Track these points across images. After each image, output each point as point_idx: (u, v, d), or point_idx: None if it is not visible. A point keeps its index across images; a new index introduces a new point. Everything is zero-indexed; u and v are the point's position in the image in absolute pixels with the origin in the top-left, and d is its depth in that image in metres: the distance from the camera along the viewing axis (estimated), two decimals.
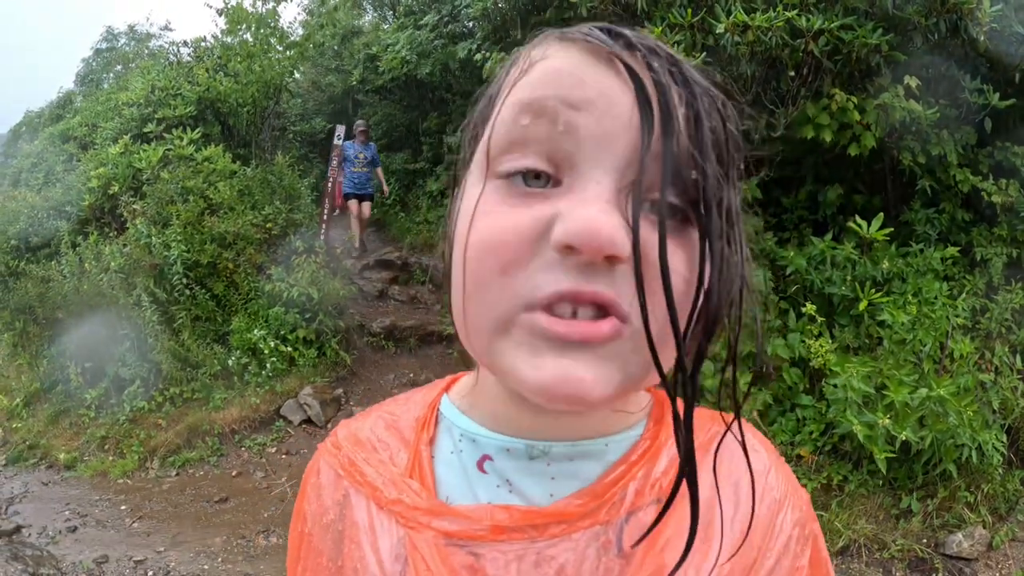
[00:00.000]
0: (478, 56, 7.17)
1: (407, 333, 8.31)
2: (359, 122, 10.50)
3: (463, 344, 0.60)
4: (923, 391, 4.37)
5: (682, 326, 0.51)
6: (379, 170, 10.49)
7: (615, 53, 0.53)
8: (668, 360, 0.53)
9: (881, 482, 4.71)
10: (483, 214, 0.54)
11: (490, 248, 0.53)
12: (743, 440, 0.64)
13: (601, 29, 0.56)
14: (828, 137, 5.07)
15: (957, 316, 4.98)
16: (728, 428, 0.65)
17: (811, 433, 4.81)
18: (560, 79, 0.54)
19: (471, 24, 10.54)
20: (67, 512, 5.79)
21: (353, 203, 10.13)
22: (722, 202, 0.53)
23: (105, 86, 17.24)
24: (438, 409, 0.74)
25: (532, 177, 0.54)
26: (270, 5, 9.56)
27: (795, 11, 4.62)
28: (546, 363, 0.52)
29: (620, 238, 0.49)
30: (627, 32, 0.56)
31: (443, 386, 0.77)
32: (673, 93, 0.52)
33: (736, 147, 0.57)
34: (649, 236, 0.50)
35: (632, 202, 0.50)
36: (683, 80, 0.54)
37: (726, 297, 0.55)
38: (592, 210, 0.50)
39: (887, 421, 4.26)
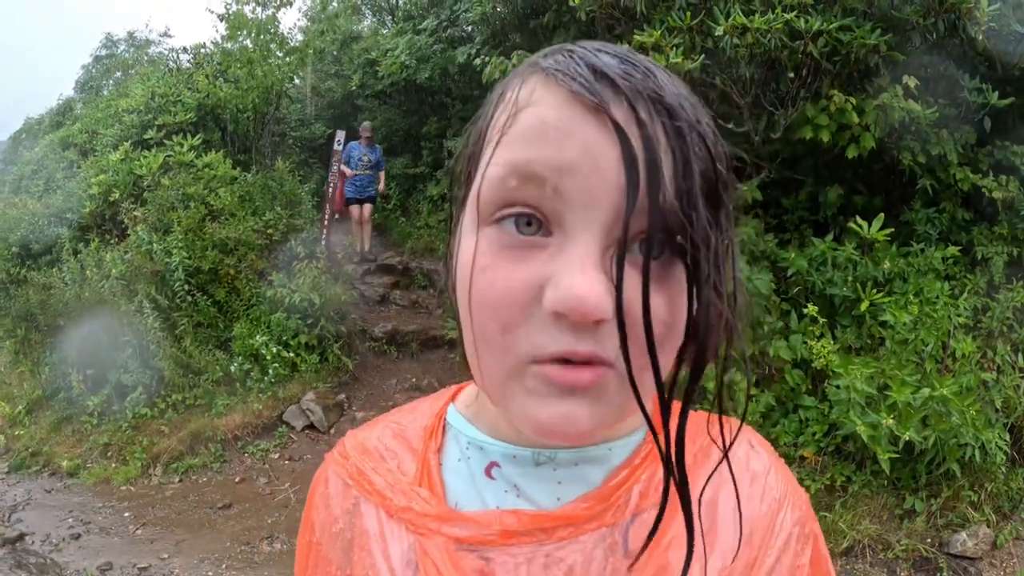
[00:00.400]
0: (477, 61, 7.17)
1: (409, 338, 8.31)
2: (365, 124, 10.37)
3: (476, 381, 0.62)
4: (926, 391, 4.37)
5: (668, 367, 0.56)
6: (382, 173, 10.39)
7: (601, 106, 0.52)
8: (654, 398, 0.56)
9: (885, 482, 4.71)
10: (480, 270, 0.56)
11: (489, 309, 0.55)
12: (726, 453, 0.64)
13: (587, 65, 0.55)
14: (826, 138, 5.08)
15: (959, 315, 4.98)
16: (727, 453, 0.66)
17: (814, 434, 4.81)
18: (546, 137, 0.53)
19: (470, 28, 10.57)
20: (70, 519, 5.79)
21: (355, 208, 10.06)
22: (710, 247, 0.54)
23: (105, 93, 17.23)
24: (445, 418, 0.76)
25: (524, 224, 0.55)
26: (270, 11, 9.56)
27: (794, 13, 4.62)
28: (551, 408, 0.55)
29: (605, 304, 0.51)
30: (613, 69, 0.54)
31: (449, 396, 0.79)
32: (661, 144, 0.52)
33: (725, 186, 0.56)
34: (633, 291, 0.52)
35: (616, 267, 0.51)
36: (673, 127, 0.53)
37: (712, 341, 0.56)
38: (579, 278, 0.52)
39: (890, 421, 4.26)
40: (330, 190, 9.66)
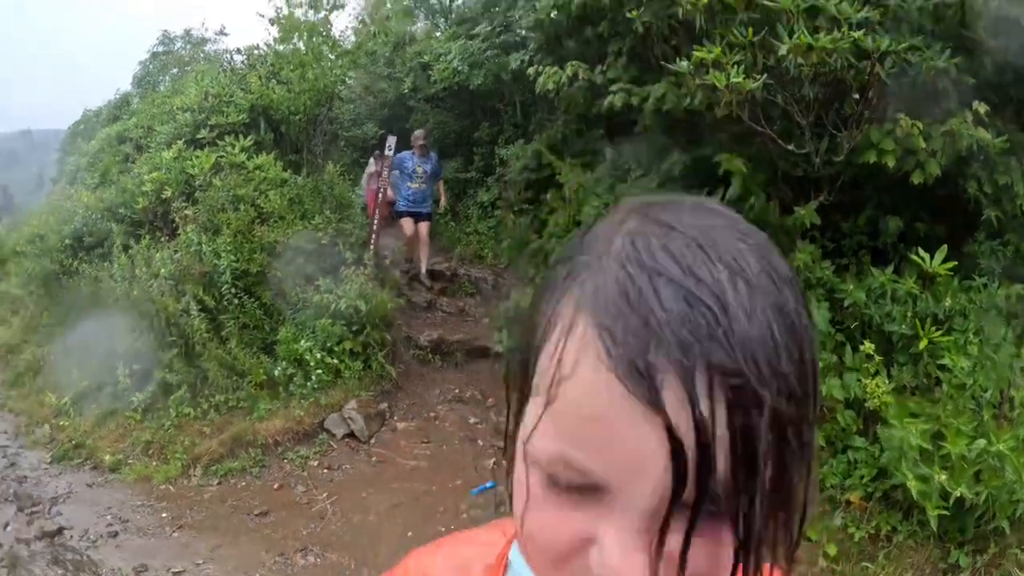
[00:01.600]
0: (531, 69, 7.09)
1: (454, 347, 8.26)
2: (418, 132, 10.03)
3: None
4: (981, 442, 4.20)
5: None
6: (441, 183, 10.13)
7: (655, 406, 0.46)
8: None
9: (930, 534, 4.52)
10: (531, 507, 0.55)
11: (540, 547, 0.55)
12: None
13: (642, 320, 0.47)
14: (891, 163, 4.90)
15: (1021, 361, 4.77)
16: None
17: (862, 477, 4.65)
18: (589, 435, 0.50)
19: (523, 34, 10.49)
20: (109, 516, 5.84)
21: (407, 221, 9.79)
22: (764, 512, 0.50)
23: (161, 88, 17.50)
24: (507, 558, 0.77)
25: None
26: (322, 14, 9.58)
27: (861, 31, 4.46)
28: None
29: None
30: (674, 319, 0.47)
31: (511, 535, 0.79)
32: (719, 421, 0.46)
33: (799, 437, 0.50)
34: (675, 551, 0.49)
35: (655, 552, 0.49)
36: (736, 401, 0.46)
37: None
38: (621, 557, 0.50)
39: (943, 477, 4.10)
40: (379, 195, 9.57)
